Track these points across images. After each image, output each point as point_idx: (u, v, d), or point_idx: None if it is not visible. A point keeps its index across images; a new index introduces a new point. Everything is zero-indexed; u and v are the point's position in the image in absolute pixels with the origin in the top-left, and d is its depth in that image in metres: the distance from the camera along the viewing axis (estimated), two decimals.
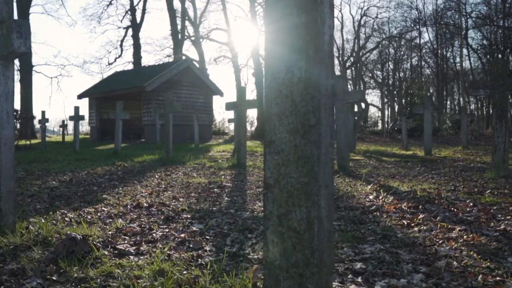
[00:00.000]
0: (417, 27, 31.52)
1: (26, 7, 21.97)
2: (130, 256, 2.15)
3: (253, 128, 25.28)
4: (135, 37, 27.51)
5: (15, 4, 21.87)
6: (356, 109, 34.53)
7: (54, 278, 1.76)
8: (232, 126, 29.02)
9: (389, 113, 35.55)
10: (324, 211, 1.09)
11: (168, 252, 2.21)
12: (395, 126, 22.49)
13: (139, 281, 1.68)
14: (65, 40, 65.16)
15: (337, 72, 36.20)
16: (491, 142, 15.82)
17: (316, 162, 1.07)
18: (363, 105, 36.51)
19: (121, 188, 4.76)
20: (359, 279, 1.76)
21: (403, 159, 8.27)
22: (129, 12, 27.87)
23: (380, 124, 33.51)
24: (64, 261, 1.91)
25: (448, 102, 35.48)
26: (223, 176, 5.73)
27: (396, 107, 33.12)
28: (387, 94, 35.47)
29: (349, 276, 1.79)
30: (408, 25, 32.25)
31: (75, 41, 65.86)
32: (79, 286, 1.70)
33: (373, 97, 58.43)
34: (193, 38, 29.29)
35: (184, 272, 1.79)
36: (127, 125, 19.70)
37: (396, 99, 34.54)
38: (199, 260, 2.03)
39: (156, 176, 5.84)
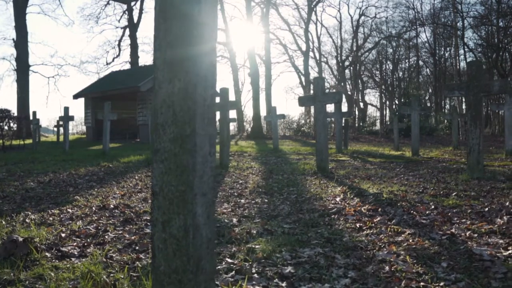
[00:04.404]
0: (415, 27, 31.43)
1: (23, 7, 22.05)
2: (72, 258, 2.18)
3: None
4: (133, 37, 27.57)
5: (12, 4, 22.00)
6: (356, 109, 34.58)
7: None
8: (231, 126, 29.09)
9: (388, 113, 35.50)
10: (202, 219, 1.12)
11: (112, 254, 2.24)
12: (389, 126, 22.47)
13: (62, 283, 1.71)
14: (62, 40, 65.36)
15: (335, 72, 36.19)
16: (484, 143, 15.72)
17: (191, 171, 1.09)
18: (361, 104, 36.50)
19: (96, 189, 4.79)
20: (284, 284, 1.78)
21: (389, 159, 8.28)
22: (126, 12, 27.94)
23: (378, 124, 33.47)
24: None
25: (448, 102, 35.37)
26: None
27: (394, 107, 33.09)
28: (386, 93, 35.42)
29: (275, 281, 1.81)
30: (406, 25, 32.18)
31: (72, 41, 66.02)
32: None
33: (371, 96, 58.19)
34: None
35: (112, 274, 1.82)
36: (123, 125, 19.77)
37: (395, 98, 34.48)
38: (136, 262, 2.06)
39: (136, 177, 5.88)
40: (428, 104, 34.08)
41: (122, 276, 1.75)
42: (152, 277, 1.18)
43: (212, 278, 1.15)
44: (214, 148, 1.15)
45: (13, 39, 23.09)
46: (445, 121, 25.23)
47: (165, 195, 1.15)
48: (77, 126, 34.86)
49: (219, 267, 1.96)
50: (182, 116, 1.11)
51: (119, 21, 35.06)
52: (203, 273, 1.11)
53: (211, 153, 1.14)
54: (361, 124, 31.02)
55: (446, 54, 32.91)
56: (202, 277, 1.11)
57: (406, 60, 35.15)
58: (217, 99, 7.27)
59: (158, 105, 1.17)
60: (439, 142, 17.73)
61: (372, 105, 39.08)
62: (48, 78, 31.23)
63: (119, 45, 29.88)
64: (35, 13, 46.56)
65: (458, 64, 28.04)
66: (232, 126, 29.89)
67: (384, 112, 35.97)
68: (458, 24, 26.36)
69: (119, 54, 30.10)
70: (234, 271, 1.89)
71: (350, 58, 35.26)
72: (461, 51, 26.77)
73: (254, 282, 1.78)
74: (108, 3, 28.05)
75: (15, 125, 15.77)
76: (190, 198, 1.09)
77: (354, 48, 34.73)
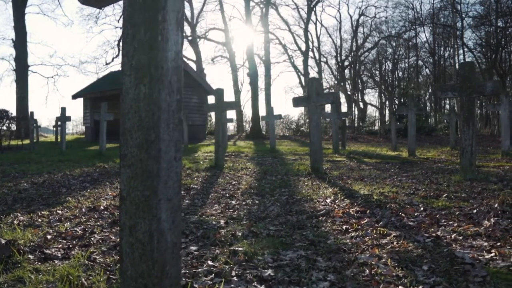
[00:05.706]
0: (414, 27, 31.43)
1: (22, 7, 22.07)
2: (55, 261, 2.18)
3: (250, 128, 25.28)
4: None
5: (11, 4, 22.02)
6: (355, 109, 34.58)
7: None
8: (231, 126, 29.10)
9: (387, 112, 35.47)
10: (166, 224, 1.12)
11: (95, 256, 2.24)
12: (388, 126, 22.46)
13: (40, 286, 1.71)
14: (61, 40, 65.40)
15: (335, 72, 36.17)
16: (483, 143, 15.64)
17: (156, 177, 1.10)
18: (361, 104, 36.49)
19: (89, 190, 4.79)
20: (262, 287, 1.78)
21: (385, 160, 8.27)
22: None
23: (378, 124, 33.45)
24: None
25: (447, 102, 35.33)
26: (195, 178, 5.76)
27: (394, 107, 33.06)
28: (385, 93, 35.41)
29: (253, 284, 1.81)
30: (406, 25, 32.19)
31: (72, 41, 66.03)
32: None
33: (371, 96, 57.99)
34: (190, 38, 29.33)
35: (91, 277, 1.82)
36: None
37: (395, 98, 34.46)
38: (118, 265, 2.06)
39: None
40: (428, 104, 34.08)
41: (100, 279, 1.76)
42: (120, 281, 1.19)
43: (177, 282, 1.16)
44: (180, 154, 1.15)
45: (12, 39, 23.13)
46: (444, 121, 25.21)
47: (131, 200, 1.15)
48: (77, 126, 34.93)
49: (199, 270, 1.97)
50: (148, 122, 1.11)
51: (118, 21, 35.01)
52: (168, 277, 1.12)
53: (177, 158, 1.14)
54: (360, 124, 31.01)
55: (446, 54, 32.92)
56: (167, 281, 1.12)
57: (406, 60, 35.16)
58: (212, 100, 7.27)
59: (125, 111, 1.17)
60: (437, 142, 17.72)
61: (371, 105, 39.09)
62: (47, 78, 31.31)
63: (118, 45, 29.87)
64: (34, 13, 46.66)
65: (457, 64, 28.01)
66: (232, 126, 29.89)
67: (384, 112, 35.97)
68: (457, 24, 26.35)
69: (118, 54, 30.08)
70: (213, 274, 1.90)
71: (349, 58, 35.25)
72: (460, 51, 26.76)
73: (232, 285, 1.79)
74: None
75: (14, 125, 15.80)
76: (155, 203, 1.09)
77: (354, 48, 34.72)
